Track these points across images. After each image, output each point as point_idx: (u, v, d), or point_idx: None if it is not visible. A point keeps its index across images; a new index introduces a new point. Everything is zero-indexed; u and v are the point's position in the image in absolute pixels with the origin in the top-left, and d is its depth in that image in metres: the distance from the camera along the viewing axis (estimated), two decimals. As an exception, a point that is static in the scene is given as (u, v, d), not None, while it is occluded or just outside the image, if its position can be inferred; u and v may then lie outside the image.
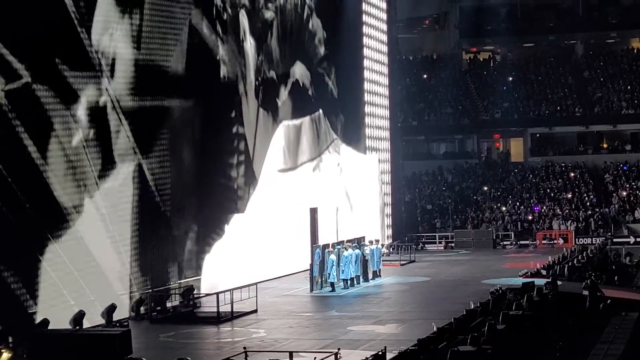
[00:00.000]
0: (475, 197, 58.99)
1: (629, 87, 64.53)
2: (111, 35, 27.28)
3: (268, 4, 37.63)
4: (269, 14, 37.74)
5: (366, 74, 48.01)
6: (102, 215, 26.61)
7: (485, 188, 59.58)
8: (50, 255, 24.33)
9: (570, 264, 35.42)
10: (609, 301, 26.80)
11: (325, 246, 34.39)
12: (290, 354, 19.07)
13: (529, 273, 35.54)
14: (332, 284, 33.28)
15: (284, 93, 39.01)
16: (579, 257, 38.36)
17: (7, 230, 23.01)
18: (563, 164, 61.73)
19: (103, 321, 25.31)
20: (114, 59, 27.52)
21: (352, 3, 46.23)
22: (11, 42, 23.11)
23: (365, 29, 48.06)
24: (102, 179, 26.71)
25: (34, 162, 23.99)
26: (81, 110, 25.93)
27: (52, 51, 24.86)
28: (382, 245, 42.38)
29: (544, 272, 34.70)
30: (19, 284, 23.19)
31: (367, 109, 48.16)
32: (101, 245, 26.42)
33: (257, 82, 36.48)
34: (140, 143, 28.58)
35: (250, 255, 35.24)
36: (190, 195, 31.52)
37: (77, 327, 22.88)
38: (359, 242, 36.60)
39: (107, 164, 27.09)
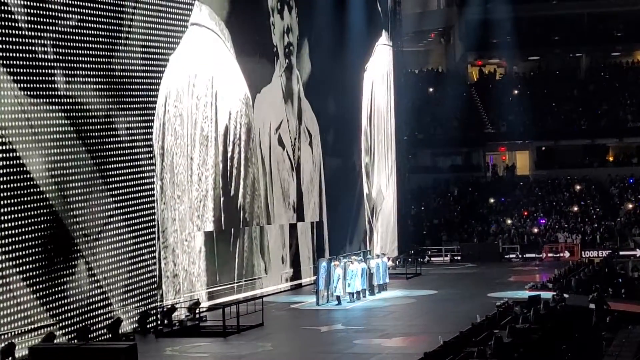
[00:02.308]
0: (481, 211, 58.94)
1: (634, 100, 64.48)
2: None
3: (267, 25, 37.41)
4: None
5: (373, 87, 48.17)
6: (110, 228, 26.58)
7: (492, 200, 59.50)
8: (54, 267, 24.30)
9: (577, 277, 35.35)
10: (615, 314, 26.76)
11: (331, 259, 34.40)
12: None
13: (536, 286, 35.49)
14: (338, 298, 33.25)
15: (289, 108, 38.97)
16: (586, 270, 38.28)
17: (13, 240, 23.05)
18: (569, 177, 61.66)
19: (109, 335, 25.31)
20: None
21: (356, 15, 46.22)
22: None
23: (370, 42, 48.22)
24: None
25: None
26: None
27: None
28: (388, 258, 42.36)
29: (550, 285, 34.65)
30: (25, 296, 23.17)
31: (373, 121, 48.28)
32: (106, 258, 26.39)
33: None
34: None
35: (255, 267, 35.26)
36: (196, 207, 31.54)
37: (83, 341, 22.87)
38: (364, 256, 36.59)
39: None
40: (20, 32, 23.32)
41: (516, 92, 66.39)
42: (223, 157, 33.21)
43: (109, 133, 26.87)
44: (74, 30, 25.34)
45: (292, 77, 39.40)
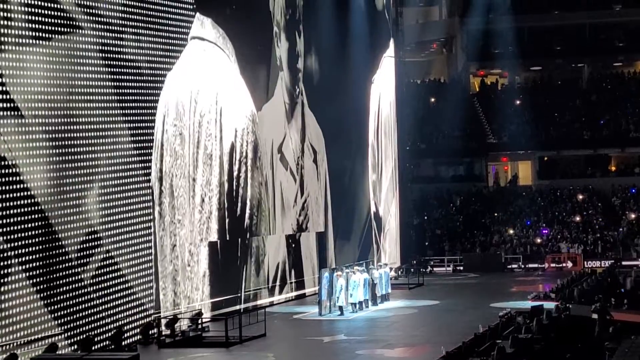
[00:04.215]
0: (483, 221, 58.94)
1: (636, 110, 64.52)
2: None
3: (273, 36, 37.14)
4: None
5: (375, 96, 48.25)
6: (116, 241, 26.58)
7: (496, 215, 59.42)
8: (57, 277, 24.31)
9: (579, 287, 35.33)
10: (618, 324, 26.73)
11: (334, 270, 34.39)
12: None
13: (538, 296, 35.47)
14: (340, 308, 33.24)
15: (292, 125, 38.76)
16: (588, 281, 38.27)
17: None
18: (571, 187, 61.69)
19: (112, 346, 25.30)
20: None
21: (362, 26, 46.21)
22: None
23: (377, 53, 48.34)
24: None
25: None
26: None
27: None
28: (391, 268, 42.35)
29: (553, 296, 34.64)
30: (30, 306, 23.17)
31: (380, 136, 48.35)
32: (110, 267, 26.39)
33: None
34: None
35: (258, 277, 35.24)
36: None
37: (86, 352, 22.85)
38: (367, 266, 36.59)
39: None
40: (18, 49, 23.10)
41: (518, 102, 66.45)
42: (228, 177, 32.41)
43: (113, 154, 26.46)
44: (69, 45, 24.85)
45: (296, 91, 38.89)
